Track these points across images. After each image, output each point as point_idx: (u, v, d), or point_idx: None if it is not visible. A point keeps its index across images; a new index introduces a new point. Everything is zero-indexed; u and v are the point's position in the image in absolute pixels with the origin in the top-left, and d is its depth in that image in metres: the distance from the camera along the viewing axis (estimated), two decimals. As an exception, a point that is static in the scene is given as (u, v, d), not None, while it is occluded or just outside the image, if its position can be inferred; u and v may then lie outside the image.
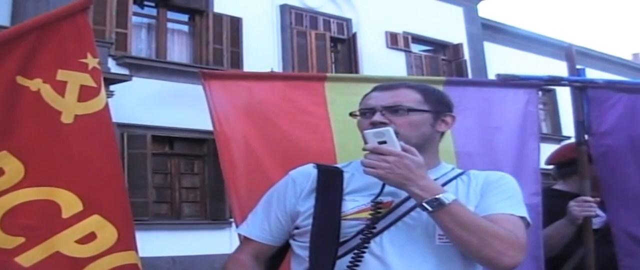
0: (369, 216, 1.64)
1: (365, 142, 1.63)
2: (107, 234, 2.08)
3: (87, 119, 2.11)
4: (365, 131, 1.65)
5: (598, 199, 2.71)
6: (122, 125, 11.01)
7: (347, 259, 1.62)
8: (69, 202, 2.04)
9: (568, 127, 17.09)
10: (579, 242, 2.71)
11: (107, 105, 2.18)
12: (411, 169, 1.56)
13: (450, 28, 16.72)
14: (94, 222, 2.06)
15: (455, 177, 1.78)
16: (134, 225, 2.20)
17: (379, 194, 1.65)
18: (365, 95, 1.84)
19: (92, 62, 2.16)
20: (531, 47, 18.99)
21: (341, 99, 2.46)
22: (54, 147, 2.07)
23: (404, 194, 1.63)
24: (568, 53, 2.92)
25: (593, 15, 61.01)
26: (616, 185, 2.80)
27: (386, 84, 1.86)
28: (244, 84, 2.51)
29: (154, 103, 11.45)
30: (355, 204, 1.68)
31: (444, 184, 1.70)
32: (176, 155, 12.14)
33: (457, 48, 16.78)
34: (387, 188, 1.64)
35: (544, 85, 2.88)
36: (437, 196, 1.55)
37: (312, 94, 2.53)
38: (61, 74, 2.10)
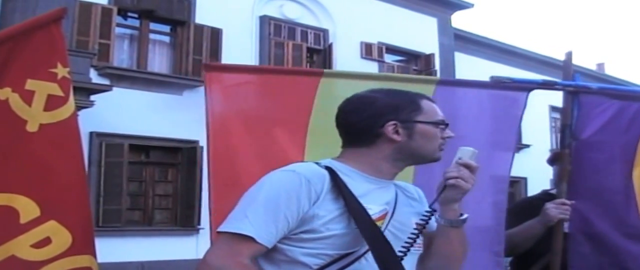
0: (421, 222, 1.70)
1: (459, 156, 1.70)
2: (62, 238, 2.11)
3: (52, 127, 2.15)
4: (468, 148, 1.71)
5: (573, 202, 2.75)
6: (101, 135, 11.41)
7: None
8: (27, 208, 2.08)
9: (528, 134, 17.70)
10: (549, 243, 2.76)
11: (74, 113, 2.22)
12: None
13: (424, 38, 17.03)
14: (49, 227, 2.10)
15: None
16: (93, 231, 2.27)
17: (434, 202, 1.72)
18: (431, 103, 1.77)
19: (61, 71, 2.18)
20: (501, 58, 19.49)
21: (330, 94, 2.47)
22: (16, 155, 2.11)
23: (393, 205, 1.70)
24: (567, 59, 2.97)
25: (560, 26, 62.72)
26: (588, 189, 2.87)
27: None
28: (242, 77, 2.61)
29: (133, 113, 11.70)
30: (372, 211, 1.63)
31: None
32: (151, 164, 12.41)
33: (428, 58, 17.14)
34: (388, 198, 1.70)
35: (537, 89, 2.93)
36: (462, 212, 1.73)
37: (305, 87, 2.59)
38: (30, 84, 2.12)
